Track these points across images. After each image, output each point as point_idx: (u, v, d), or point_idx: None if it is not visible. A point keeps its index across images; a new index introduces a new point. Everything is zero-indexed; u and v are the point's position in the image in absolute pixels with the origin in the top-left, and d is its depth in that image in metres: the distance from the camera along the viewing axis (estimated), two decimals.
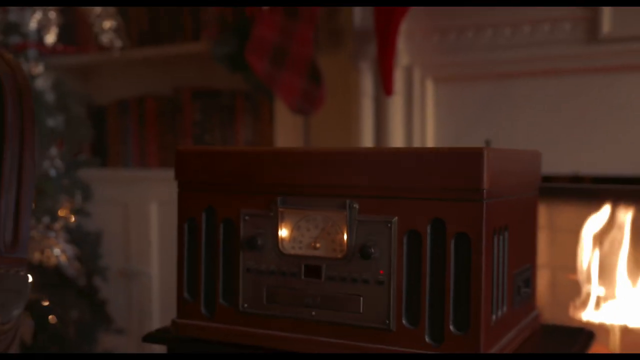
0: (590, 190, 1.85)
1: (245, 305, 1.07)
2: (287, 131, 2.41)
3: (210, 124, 2.62)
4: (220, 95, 2.62)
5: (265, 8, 1.98)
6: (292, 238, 1.04)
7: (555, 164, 1.84)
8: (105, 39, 2.33)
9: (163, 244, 2.64)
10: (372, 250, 0.98)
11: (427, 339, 0.96)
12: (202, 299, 1.10)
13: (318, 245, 1.02)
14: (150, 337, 1.16)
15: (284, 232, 1.04)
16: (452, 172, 0.93)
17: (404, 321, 0.97)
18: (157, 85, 2.82)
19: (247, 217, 1.06)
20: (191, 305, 1.11)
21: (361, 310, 0.99)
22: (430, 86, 2.00)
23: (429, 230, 0.95)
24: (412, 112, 2.01)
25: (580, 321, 1.92)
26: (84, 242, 2.23)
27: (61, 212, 2.11)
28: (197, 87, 2.69)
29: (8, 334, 0.89)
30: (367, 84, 2.04)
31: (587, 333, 1.20)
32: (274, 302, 1.05)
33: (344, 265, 1.00)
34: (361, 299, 0.99)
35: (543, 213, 2.16)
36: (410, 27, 1.98)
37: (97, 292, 2.32)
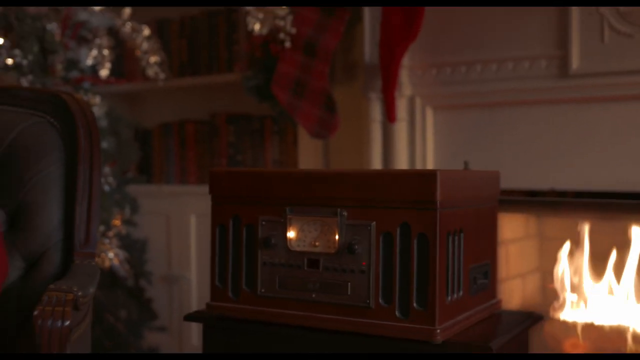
0: (571, 204, 2.13)
1: (263, 290, 1.39)
2: (309, 152, 2.73)
3: (243, 146, 2.96)
4: (251, 120, 2.96)
5: (287, 47, 2.32)
6: (298, 238, 1.36)
7: (535, 180, 2.13)
8: (150, 72, 2.68)
9: (201, 251, 2.96)
10: (357, 247, 1.29)
11: (397, 314, 1.27)
12: (229, 285, 1.42)
13: (317, 243, 1.34)
14: (190, 317, 1.49)
15: (291, 234, 1.36)
16: (414, 188, 1.24)
17: (380, 301, 1.28)
18: (195, 111, 3.17)
19: (264, 223, 1.39)
20: (221, 291, 1.44)
21: (349, 293, 1.31)
22: (429, 113, 2.30)
23: (398, 232, 1.27)
24: (415, 136, 2.32)
25: (558, 320, 2.20)
26: (133, 248, 2.58)
27: (114, 222, 2.47)
28: (231, 113, 3.03)
29: (85, 305, 1.22)
30: (376, 111, 2.35)
31: (537, 316, 1.49)
32: (284, 287, 1.37)
33: (336, 258, 1.32)
34: (349, 284, 1.31)
35: (533, 223, 2.44)
36: (412, 63, 2.29)
37: (144, 292, 2.66)
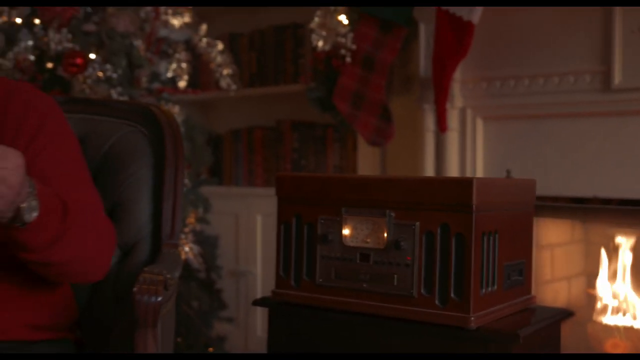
0: (613, 210, 2.26)
1: (321, 280, 1.59)
2: (367, 158, 2.93)
3: (306, 151, 3.17)
4: (314, 127, 3.17)
5: (348, 62, 2.52)
6: (352, 235, 1.55)
7: (579, 188, 2.27)
8: (223, 83, 2.93)
9: (266, 248, 3.20)
10: (402, 244, 1.48)
11: (437, 303, 1.45)
12: (292, 275, 1.63)
13: (368, 240, 1.53)
14: (257, 302, 1.70)
15: (346, 231, 1.56)
16: (453, 193, 1.43)
17: (422, 291, 1.47)
18: (263, 118, 3.41)
19: (322, 221, 1.59)
20: (284, 280, 1.64)
21: (395, 283, 1.50)
22: (479, 124, 2.47)
23: (439, 231, 1.45)
24: (465, 144, 2.49)
25: (600, 323, 2.34)
26: (205, 243, 2.83)
27: (189, 220, 2.72)
28: (296, 120, 3.25)
29: (172, 286, 1.45)
30: (430, 121, 2.53)
31: (568, 312, 1.65)
32: (339, 278, 1.57)
33: (384, 253, 1.51)
34: (395, 276, 1.49)
35: (579, 229, 2.57)
36: (464, 77, 2.46)
37: (214, 284, 2.91)
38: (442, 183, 1.45)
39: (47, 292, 1.42)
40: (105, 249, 1.36)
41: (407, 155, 2.78)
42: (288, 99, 3.27)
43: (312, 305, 1.60)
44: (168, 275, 1.38)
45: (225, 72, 2.91)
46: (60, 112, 1.48)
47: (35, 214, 1.16)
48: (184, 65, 2.88)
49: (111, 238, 1.40)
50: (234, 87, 2.91)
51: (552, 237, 2.41)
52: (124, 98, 2.51)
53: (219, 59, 2.91)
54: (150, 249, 1.60)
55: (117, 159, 1.69)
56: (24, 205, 1.14)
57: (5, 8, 2.61)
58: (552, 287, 2.45)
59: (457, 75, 2.45)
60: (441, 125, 2.38)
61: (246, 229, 3.26)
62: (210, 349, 3.10)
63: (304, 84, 3.00)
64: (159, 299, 1.30)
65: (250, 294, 3.27)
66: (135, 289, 1.29)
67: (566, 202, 2.32)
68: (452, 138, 2.50)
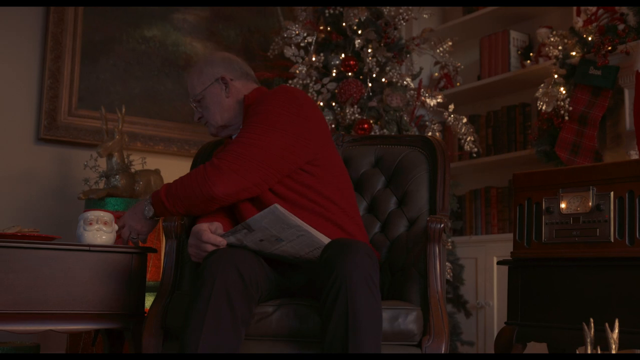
0: None
1: (545, 239, 2.33)
2: None
3: None
4: None
5: (566, 120, 3.28)
6: (567, 207, 2.29)
7: None
8: (467, 147, 3.80)
9: (500, 285, 3.88)
10: (602, 207, 2.19)
11: (627, 243, 2.12)
12: (525, 239, 2.38)
13: (578, 208, 2.26)
14: (500, 262, 2.47)
15: (563, 205, 2.30)
16: (635, 169, 2.13)
17: (616, 237, 2.15)
18: (497, 179, 4.20)
19: (545, 200, 2.34)
20: (519, 243, 2.40)
21: (597, 234, 2.19)
22: None
23: (626, 196, 2.14)
24: None
25: None
26: (454, 264, 3.62)
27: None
28: None
29: (446, 223, 2.28)
30: None
31: None
32: (557, 236, 2.29)
33: (589, 215, 2.22)
34: (597, 229, 2.20)
35: None
36: None
37: (461, 299, 3.66)
38: (627, 164, 2.17)
39: None
40: None
41: None
42: (518, 162, 4.04)
43: (539, 258, 2.34)
44: (447, 223, 2.23)
45: (469, 138, 3.79)
46: None
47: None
48: (437, 134, 3.82)
49: None
50: (475, 149, 3.76)
51: None
52: None
53: (463, 129, 3.81)
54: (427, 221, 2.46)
55: (405, 167, 2.60)
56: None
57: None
58: None
59: None
60: None
61: (484, 269, 3.98)
62: None
63: (531, 149, 3.77)
64: (441, 225, 2.15)
65: (488, 324, 3.94)
66: (428, 219, 2.15)
67: None
68: None
